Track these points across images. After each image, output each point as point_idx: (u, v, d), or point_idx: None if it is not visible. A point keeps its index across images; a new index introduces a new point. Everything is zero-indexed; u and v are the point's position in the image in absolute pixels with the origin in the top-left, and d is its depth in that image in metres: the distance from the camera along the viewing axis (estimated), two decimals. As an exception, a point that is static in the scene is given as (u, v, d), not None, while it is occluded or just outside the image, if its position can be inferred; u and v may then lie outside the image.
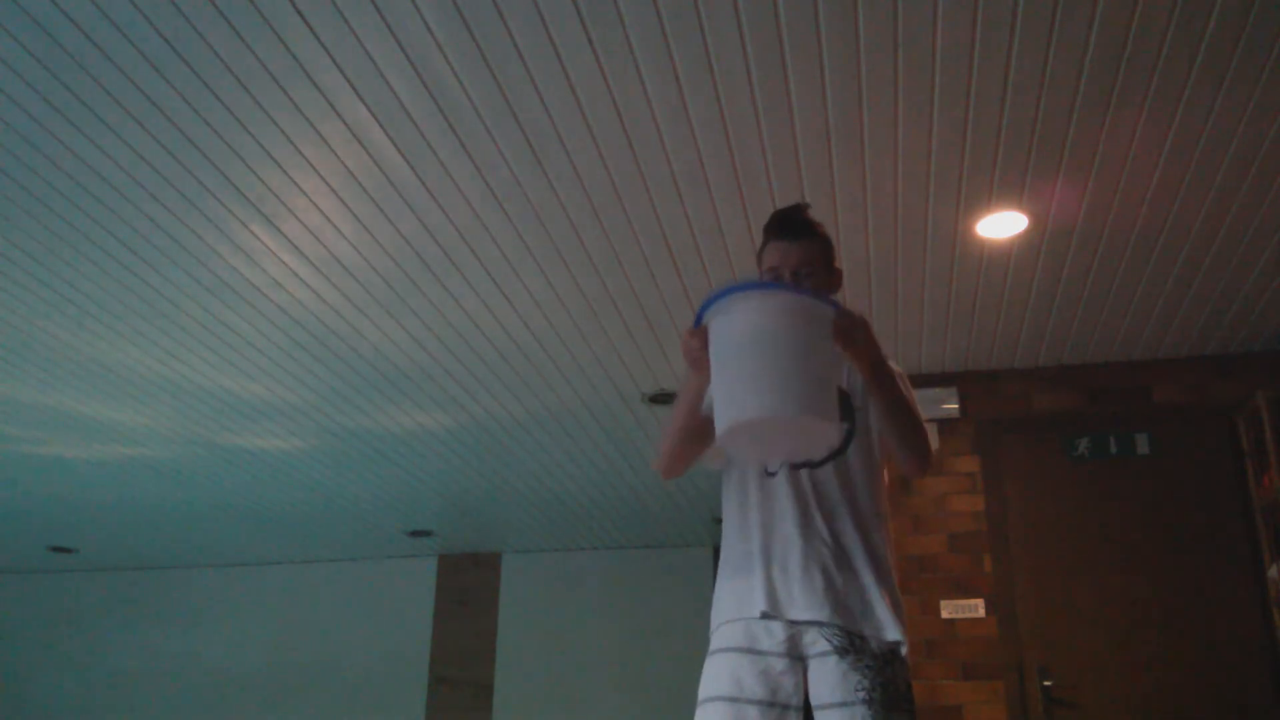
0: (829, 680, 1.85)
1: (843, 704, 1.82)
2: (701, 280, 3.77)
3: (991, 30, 2.60)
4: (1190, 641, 4.15)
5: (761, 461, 2.05)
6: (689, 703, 1.95)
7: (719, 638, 1.97)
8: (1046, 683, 4.12)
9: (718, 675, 1.91)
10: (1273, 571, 4.06)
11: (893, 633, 1.92)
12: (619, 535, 7.22)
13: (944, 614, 4.24)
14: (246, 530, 7.06)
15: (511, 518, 6.87)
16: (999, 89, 2.82)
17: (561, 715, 7.11)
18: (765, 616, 1.93)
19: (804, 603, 1.91)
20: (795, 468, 2.04)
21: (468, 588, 7.67)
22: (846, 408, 2.08)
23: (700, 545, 7.36)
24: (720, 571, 2.08)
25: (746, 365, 1.83)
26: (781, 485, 2.03)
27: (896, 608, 1.96)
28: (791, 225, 2.11)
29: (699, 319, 1.93)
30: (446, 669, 7.48)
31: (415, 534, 7.20)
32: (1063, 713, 4.09)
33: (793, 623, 1.90)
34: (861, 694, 1.82)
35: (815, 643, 1.88)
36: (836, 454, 2.04)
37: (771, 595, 1.94)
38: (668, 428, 2.11)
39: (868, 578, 1.96)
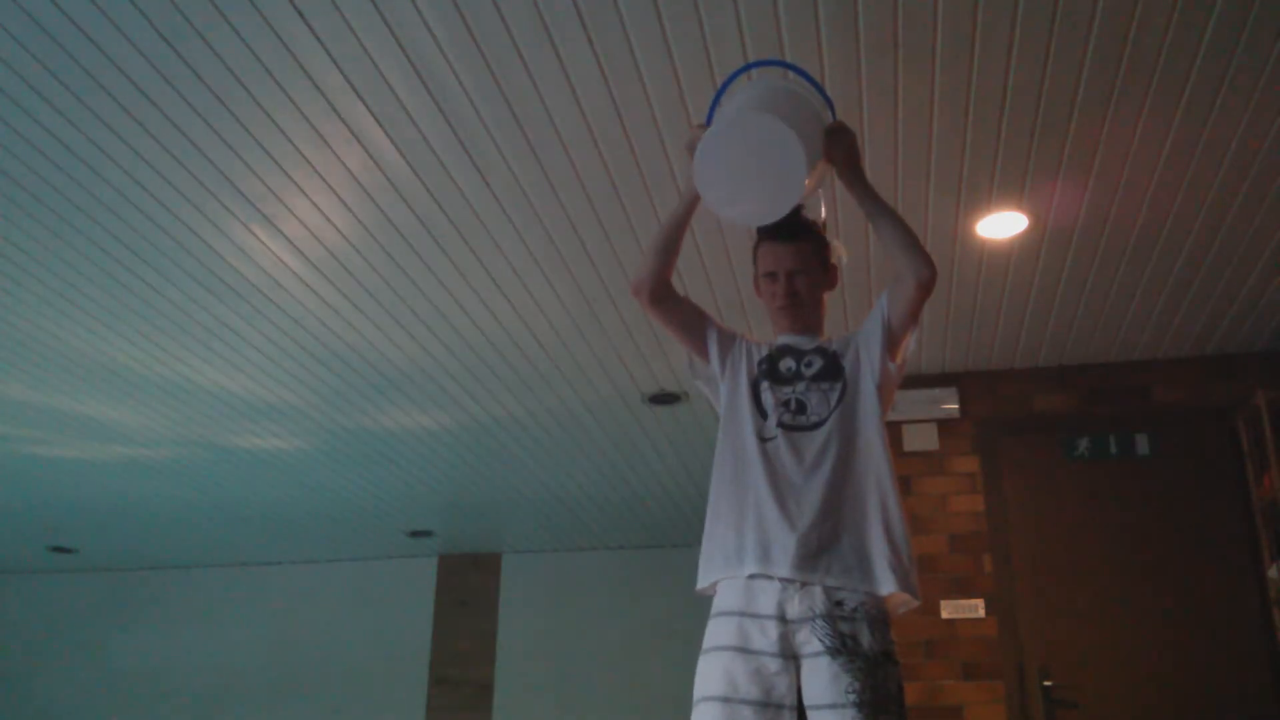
0: (820, 681, 1.85)
1: (833, 706, 1.82)
2: (701, 280, 3.77)
3: (991, 30, 2.61)
4: (1190, 641, 4.15)
5: (723, 211, 2.12)
6: (688, 703, 1.95)
7: (712, 634, 1.97)
8: (1046, 683, 4.12)
9: (712, 675, 1.91)
10: (1273, 571, 4.06)
11: (887, 587, 1.92)
12: (619, 535, 7.22)
13: (944, 614, 4.23)
14: (246, 530, 7.05)
15: (512, 518, 6.87)
16: (999, 89, 2.82)
17: (561, 715, 7.10)
18: (753, 577, 1.94)
19: (796, 563, 1.91)
20: (790, 430, 2.04)
21: (468, 588, 7.65)
22: (836, 368, 2.11)
23: (700, 545, 7.33)
24: (708, 531, 2.08)
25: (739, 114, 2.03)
26: (779, 448, 2.04)
27: (898, 563, 1.94)
28: (784, 226, 2.12)
29: (710, 118, 2.13)
30: (446, 669, 7.46)
31: (415, 534, 7.19)
32: (1063, 713, 4.09)
33: (786, 620, 1.90)
34: (852, 696, 1.82)
35: (808, 642, 1.88)
36: (836, 404, 2.07)
37: (764, 557, 1.94)
38: (653, 236, 2.23)
39: (868, 536, 1.96)
